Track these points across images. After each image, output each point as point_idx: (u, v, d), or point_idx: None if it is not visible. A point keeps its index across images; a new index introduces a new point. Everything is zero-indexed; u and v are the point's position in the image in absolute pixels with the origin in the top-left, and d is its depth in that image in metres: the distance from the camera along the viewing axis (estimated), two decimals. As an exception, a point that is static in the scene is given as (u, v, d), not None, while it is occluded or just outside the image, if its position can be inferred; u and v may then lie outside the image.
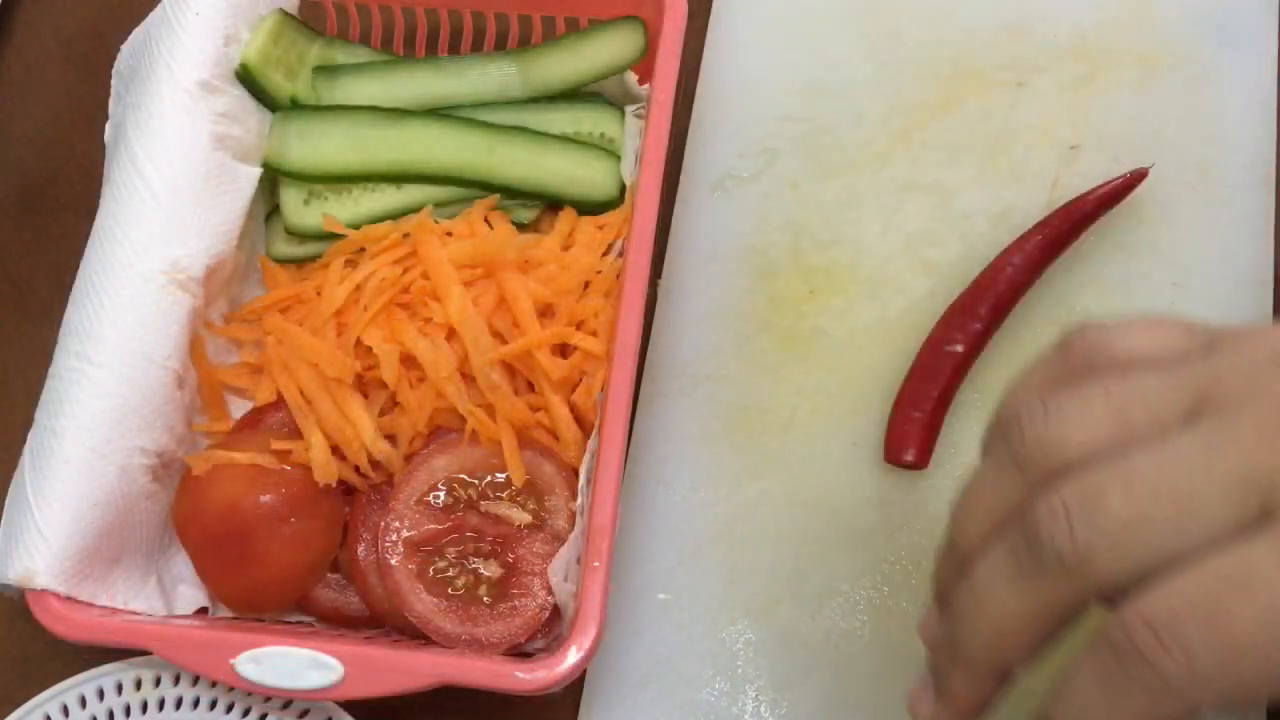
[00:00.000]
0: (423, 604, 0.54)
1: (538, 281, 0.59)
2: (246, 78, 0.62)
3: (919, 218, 0.66)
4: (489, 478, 0.57)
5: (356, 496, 0.58)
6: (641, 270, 0.56)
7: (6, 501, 0.54)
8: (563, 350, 0.58)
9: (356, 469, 0.57)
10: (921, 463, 0.59)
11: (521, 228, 0.63)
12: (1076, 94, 0.67)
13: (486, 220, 0.62)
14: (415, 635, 0.55)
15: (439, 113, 0.64)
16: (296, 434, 0.58)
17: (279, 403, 0.59)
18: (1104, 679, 0.32)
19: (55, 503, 0.53)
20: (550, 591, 0.54)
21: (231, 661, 0.50)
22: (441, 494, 0.57)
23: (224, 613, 0.58)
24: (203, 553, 0.57)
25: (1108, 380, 0.36)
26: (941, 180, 0.67)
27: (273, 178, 0.63)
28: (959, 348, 0.60)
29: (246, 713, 0.54)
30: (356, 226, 0.62)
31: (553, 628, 0.56)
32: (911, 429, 0.59)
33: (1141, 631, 0.32)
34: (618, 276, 0.58)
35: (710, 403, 0.63)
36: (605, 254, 0.61)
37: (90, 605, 0.53)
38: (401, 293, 0.58)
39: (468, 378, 0.57)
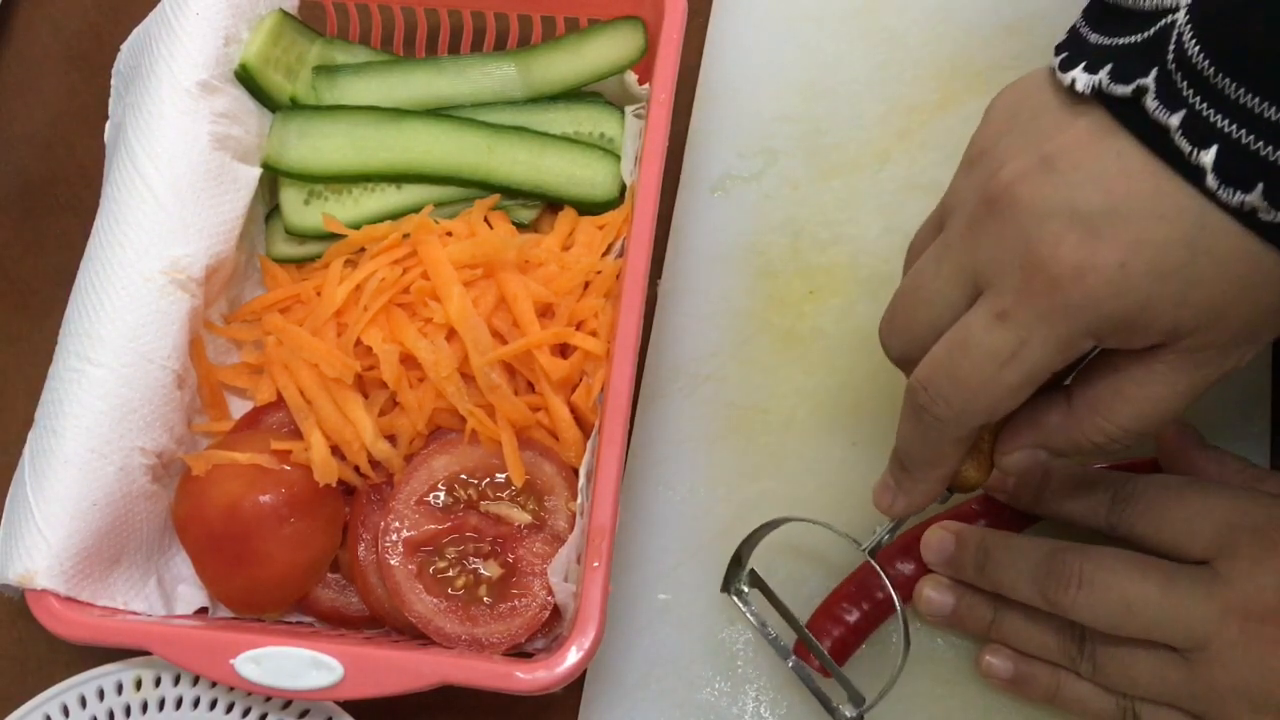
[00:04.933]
0: (423, 604, 0.54)
1: (538, 281, 0.59)
2: (246, 78, 0.62)
3: (919, 218, 0.65)
4: (489, 478, 0.57)
5: (356, 496, 0.58)
6: (641, 270, 0.56)
7: (6, 501, 0.55)
8: (563, 350, 0.58)
9: (356, 469, 0.57)
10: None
11: (521, 228, 0.63)
12: (1076, 94, 0.67)
13: (486, 220, 0.62)
14: (415, 635, 0.55)
15: (439, 113, 0.64)
16: (296, 434, 0.58)
17: (279, 403, 0.59)
18: (912, 421, 0.48)
19: (55, 503, 0.53)
20: (550, 591, 0.54)
21: (231, 661, 0.50)
22: (441, 494, 0.57)
23: (224, 613, 0.58)
24: (203, 553, 0.57)
25: None
26: (941, 180, 0.66)
27: (273, 178, 0.63)
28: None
29: (246, 713, 0.54)
30: (356, 226, 0.62)
31: (553, 628, 0.56)
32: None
33: (918, 390, 0.46)
34: (618, 276, 0.58)
35: (710, 403, 0.63)
36: (605, 254, 0.61)
37: (90, 605, 0.53)
38: (401, 293, 0.58)
39: (468, 378, 0.57)
